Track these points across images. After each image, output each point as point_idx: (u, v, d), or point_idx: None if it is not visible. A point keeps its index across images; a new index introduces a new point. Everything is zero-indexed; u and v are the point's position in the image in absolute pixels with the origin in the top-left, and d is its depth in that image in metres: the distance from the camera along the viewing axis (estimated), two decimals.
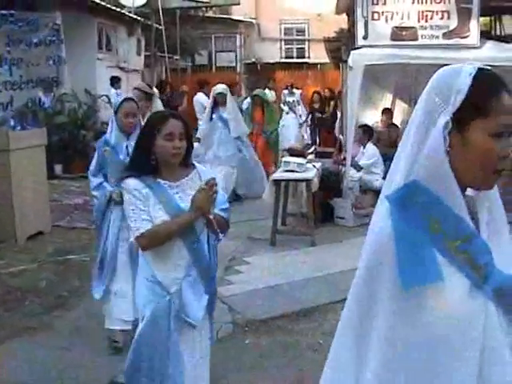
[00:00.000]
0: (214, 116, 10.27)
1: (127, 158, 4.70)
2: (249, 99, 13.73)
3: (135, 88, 6.85)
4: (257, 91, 13.05)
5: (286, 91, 18.90)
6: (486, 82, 1.61)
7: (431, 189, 1.59)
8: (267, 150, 12.10)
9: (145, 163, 3.19)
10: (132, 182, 3.18)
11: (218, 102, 10.24)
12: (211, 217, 3.18)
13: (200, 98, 13.89)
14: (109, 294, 4.82)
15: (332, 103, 16.44)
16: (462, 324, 1.54)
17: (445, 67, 1.68)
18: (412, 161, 1.62)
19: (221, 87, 10.29)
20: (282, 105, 18.43)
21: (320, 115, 16.00)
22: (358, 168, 9.58)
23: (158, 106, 7.08)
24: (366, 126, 9.98)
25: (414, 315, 1.56)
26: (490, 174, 1.62)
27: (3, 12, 5.69)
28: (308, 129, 16.71)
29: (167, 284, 3.21)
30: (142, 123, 4.80)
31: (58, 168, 12.65)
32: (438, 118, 1.60)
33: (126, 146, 4.83)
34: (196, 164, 3.40)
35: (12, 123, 6.18)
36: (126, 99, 4.99)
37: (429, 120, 1.62)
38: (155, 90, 7.03)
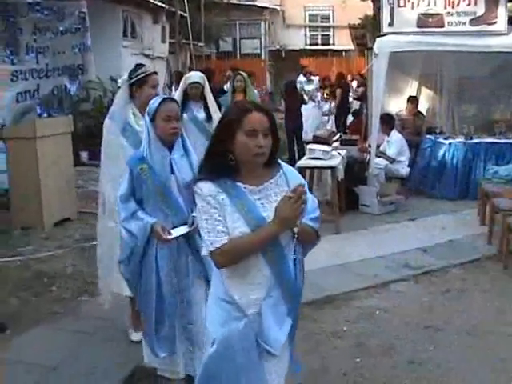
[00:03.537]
0: (184, 115, 6.62)
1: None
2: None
3: None
4: (240, 72, 9.37)
5: (303, 79, 16.78)
6: None
7: None
8: None
9: (222, 163, 2.68)
10: (206, 187, 2.67)
11: (191, 96, 7.00)
12: (296, 230, 2.65)
13: None
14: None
15: (339, 91, 15.74)
16: None
17: None
18: None
19: (196, 75, 7.12)
20: None
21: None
22: (391, 160, 9.51)
23: None
24: (385, 115, 9.89)
25: None
26: None
27: (29, 1, 5.71)
28: (332, 116, 15.56)
29: (244, 305, 2.73)
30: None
31: (84, 155, 12.75)
32: None
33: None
34: (282, 164, 2.86)
35: (38, 111, 6.21)
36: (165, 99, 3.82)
37: None
38: None
